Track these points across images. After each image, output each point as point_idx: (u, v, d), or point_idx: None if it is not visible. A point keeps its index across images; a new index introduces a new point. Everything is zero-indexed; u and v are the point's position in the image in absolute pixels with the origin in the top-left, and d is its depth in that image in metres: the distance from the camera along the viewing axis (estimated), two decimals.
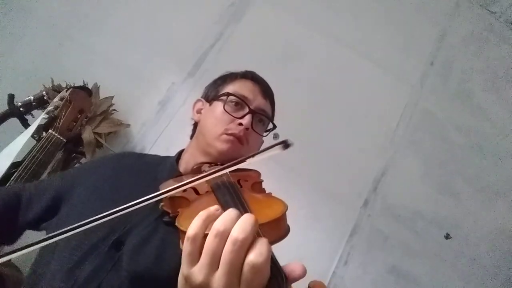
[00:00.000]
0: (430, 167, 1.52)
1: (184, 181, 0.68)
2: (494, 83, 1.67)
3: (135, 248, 0.59)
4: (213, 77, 1.55)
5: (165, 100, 1.44)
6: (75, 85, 1.21)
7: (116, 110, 1.32)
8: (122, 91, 1.35)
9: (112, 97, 1.30)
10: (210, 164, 0.73)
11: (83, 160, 1.23)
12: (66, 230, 0.43)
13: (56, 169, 1.16)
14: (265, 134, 0.85)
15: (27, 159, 0.97)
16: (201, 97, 0.89)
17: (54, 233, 0.43)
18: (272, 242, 0.43)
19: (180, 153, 0.84)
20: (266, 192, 0.66)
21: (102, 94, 1.30)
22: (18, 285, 0.83)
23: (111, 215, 0.45)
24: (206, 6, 1.55)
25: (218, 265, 0.35)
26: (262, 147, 0.88)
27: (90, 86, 1.26)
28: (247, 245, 0.34)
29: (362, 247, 1.38)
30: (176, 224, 0.47)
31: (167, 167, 0.79)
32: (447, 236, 1.44)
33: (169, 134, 1.40)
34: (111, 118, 1.29)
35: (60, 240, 0.49)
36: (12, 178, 0.94)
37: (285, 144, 0.42)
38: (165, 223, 0.62)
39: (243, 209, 0.46)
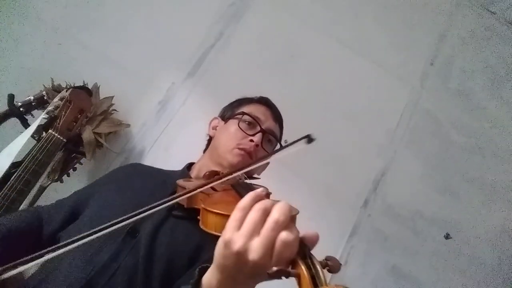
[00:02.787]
0: (430, 167, 1.52)
1: (191, 181, 0.75)
2: (494, 83, 1.67)
3: (149, 235, 0.64)
4: (213, 77, 1.55)
5: (165, 100, 1.44)
6: (75, 85, 1.21)
7: (116, 110, 1.32)
8: (122, 91, 1.35)
9: (112, 97, 1.30)
10: (217, 173, 0.79)
11: (83, 160, 1.23)
12: (85, 235, 0.47)
13: (56, 169, 1.16)
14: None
15: (27, 159, 0.97)
16: (218, 116, 0.99)
17: (74, 238, 0.47)
18: None
19: (189, 165, 0.93)
20: None
21: (102, 94, 1.29)
22: (16, 282, 0.83)
23: (134, 216, 0.50)
24: (206, 6, 1.55)
25: (255, 236, 0.39)
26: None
27: (90, 86, 1.26)
28: (284, 226, 0.38)
29: (362, 247, 1.38)
30: (204, 206, 0.52)
31: (179, 172, 0.87)
32: (447, 236, 1.44)
33: (169, 134, 1.39)
34: (111, 118, 1.29)
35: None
36: (12, 178, 0.94)
37: (309, 139, 0.49)
38: (173, 216, 0.68)
39: None
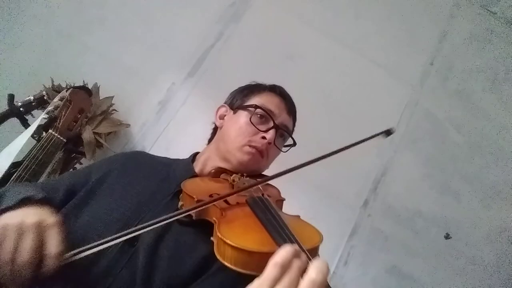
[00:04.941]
0: (430, 167, 1.52)
1: (198, 182, 0.69)
2: (494, 83, 1.67)
3: (149, 245, 0.59)
4: (213, 77, 1.55)
5: (165, 100, 1.44)
6: (75, 85, 1.21)
7: (116, 110, 1.32)
8: (122, 91, 1.35)
9: (112, 97, 1.30)
10: (237, 174, 0.74)
11: (83, 160, 1.23)
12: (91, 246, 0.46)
13: (56, 169, 1.16)
14: (284, 150, 0.86)
15: (27, 159, 0.97)
16: (225, 103, 0.89)
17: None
18: None
19: (194, 155, 0.86)
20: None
21: (102, 94, 1.30)
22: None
23: (137, 231, 0.47)
24: (206, 6, 1.55)
25: None
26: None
27: (90, 86, 1.26)
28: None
29: (362, 247, 1.38)
30: (221, 236, 0.48)
31: (182, 166, 0.81)
32: (447, 236, 1.44)
33: (169, 134, 1.40)
34: (111, 118, 1.29)
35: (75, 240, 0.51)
36: (12, 178, 0.94)
37: (388, 132, 0.48)
38: (178, 222, 0.62)
39: (286, 231, 0.49)
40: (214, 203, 0.52)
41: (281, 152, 0.87)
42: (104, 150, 1.29)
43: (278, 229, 0.49)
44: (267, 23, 1.58)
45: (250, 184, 0.55)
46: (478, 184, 1.52)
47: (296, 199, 1.42)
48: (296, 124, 0.92)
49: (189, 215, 0.59)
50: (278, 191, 0.77)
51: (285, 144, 0.87)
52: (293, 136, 0.87)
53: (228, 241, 0.46)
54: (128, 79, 1.42)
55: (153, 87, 1.44)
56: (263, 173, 0.86)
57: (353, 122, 1.52)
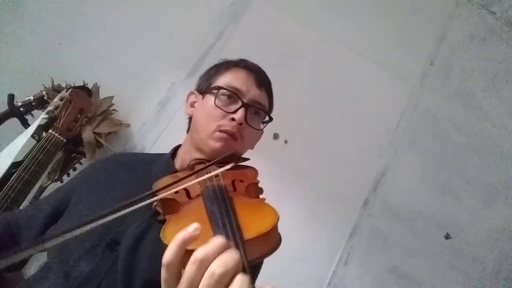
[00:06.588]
0: (430, 167, 1.52)
1: (179, 177, 0.65)
2: (494, 83, 1.67)
3: (129, 249, 0.58)
4: None
5: (165, 100, 1.44)
6: (75, 85, 1.21)
7: (116, 110, 1.32)
8: (122, 91, 1.35)
9: (112, 97, 1.30)
10: (203, 162, 0.69)
11: (83, 160, 1.23)
12: (61, 232, 0.41)
13: (56, 169, 1.16)
14: (261, 126, 0.81)
15: (27, 159, 0.97)
16: (195, 89, 0.84)
17: (46, 236, 0.41)
18: (262, 256, 0.42)
19: (175, 149, 0.82)
20: (263, 191, 0.66)
21: (102, 94, 1.30)
22: (17, 282, 0.82)
23: (103, 217, 0.43)
24: (206, 6, 1.55)
25: None
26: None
27: (90, 86, 1.26)
28: (225, 281, 0.33)
29: (362, 247, 1.38)
30: (160, 236, 0.45)
31: (163, 163, 0.78)
32: (447, 236, 1.44)
33: (169, 134, 1.40)
34: (111, 118, 1.29)
35: (54, 245, 0.49)
36: (12, 178, 0.94)
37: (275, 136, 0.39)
38: (159, 222, 0.60)
39: (229, 222, 0.44)
40: (169, 196, 0.48)
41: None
42: (104, 150, 1.29)
43: (219, 221, 0.44)
44: (267, 23, 1.58)
45: (196, 169, 0.50)
46: (478, 184, 1.52)
47: (295, 199, 1.42)
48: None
49: (160, 213, 0.57)
50: (255, 172, 0.70)
51: (263, 120, 0.80)
52: (274, 118, 0.81)
53: (165, 242, 0.42)
54: (128, 79, 1.42)
55: (153, 87, 1.44)
56: (243, 156, 0.78)
57: (353, 122, 1.52)
